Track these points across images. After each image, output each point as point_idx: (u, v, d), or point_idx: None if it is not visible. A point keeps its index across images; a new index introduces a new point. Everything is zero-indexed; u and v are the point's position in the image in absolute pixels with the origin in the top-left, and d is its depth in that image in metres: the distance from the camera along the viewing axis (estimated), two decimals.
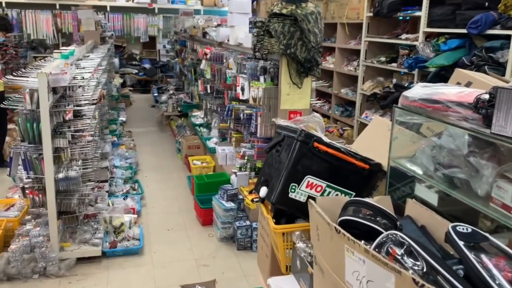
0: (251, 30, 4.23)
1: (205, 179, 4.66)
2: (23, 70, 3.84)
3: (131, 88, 11.10)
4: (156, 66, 12.06)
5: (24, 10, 10.85)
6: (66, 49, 4.39)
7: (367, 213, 1.51)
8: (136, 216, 4.07)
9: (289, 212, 2.17)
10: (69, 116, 3.38)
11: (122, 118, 8.02)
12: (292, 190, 2.05)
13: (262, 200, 2.25)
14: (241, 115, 4.27)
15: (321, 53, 3.50)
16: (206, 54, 5.68)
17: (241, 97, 4.35)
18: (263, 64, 3.73)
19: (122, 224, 3.84)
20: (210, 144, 5.72)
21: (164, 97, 8.98)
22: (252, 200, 3.79)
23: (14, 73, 3.72)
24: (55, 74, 3.16)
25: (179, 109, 8.15)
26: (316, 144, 2.05)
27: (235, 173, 4.38)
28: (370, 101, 5.58)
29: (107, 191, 4.62)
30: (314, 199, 1.73)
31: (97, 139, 4.51)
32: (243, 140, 4.72)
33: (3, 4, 10.67)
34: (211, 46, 6.04)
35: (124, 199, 4.53)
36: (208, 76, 5.85)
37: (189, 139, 6.32)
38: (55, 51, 4.14)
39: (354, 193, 2.10)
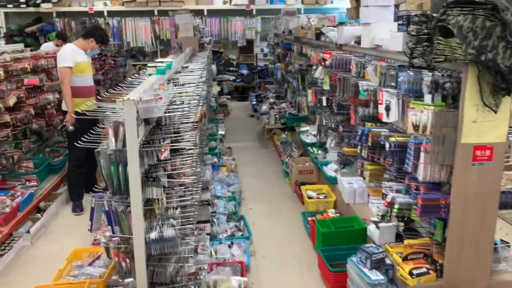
0: (401, 28, 3.06)
1: (331, 225, 3.58)
2: (119, 85, 3.13)
3: (228, 96, 10.43)
4: (253, 72, 11.29)
5: (124, 18, 10.71)
6: (162, 61, 3.61)
7: None
8: (246, 279, 3.11)
9: None
10: (165, 154, 2.51)
11: (221, 131, 7.26)
12: None
13: None
14: (386, 144, 3.12)
15: None
16: (324, 60, 4.61)
17: (384, 119, 3.21)
18: (433, 77, 2.54)
19: None
20: (328, 171, 4.63)
21: (264, 107, 8.09)
22: (411, 273, 2.63)
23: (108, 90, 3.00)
24: (147, 101, 2.30)
25: (282, 121, 7.19)
26: None
27: (375, 223, 3.25)
28: None
29: (208, 234, 3.76)
30: None
31: (198, 171, 3.66)
32: (382, 175, 3.56)
33: (105, 13, 10.61)
34: (329, 49, 4.95)
35: (229, 246, 3.62)
36: (325, 86, 4.76)
37: (299, 162, 5.29)
38: (149, 65, 3.35)
39: None
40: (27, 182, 4.51)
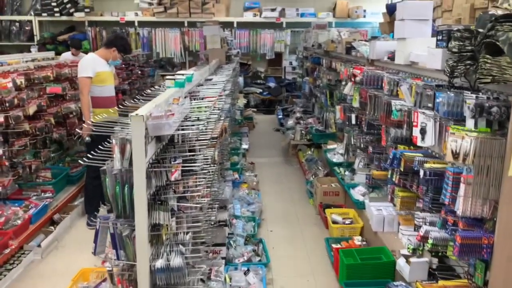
0: (441, 44, 2.78)
1: (356, 256, 3.28)
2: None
3: (255, 109, 10.24)
4: (281, 85, 11.09)
5: (154, 28, 10.75)
6: (183, 74, 3.44)
7: None
8: None
9: None
10: (176, 175, 2.31)
11: (245, 146, 7.05)
12: None
13: None
14: (420, 170, 2.83)
15: None
16: (354, 75, 4.34)
17: (419, 143, 2.91)
18: (477, 99, 2.25)
19: None
20: (356, 194, 4.33)
21: (290, 122, 7.86)
22: None
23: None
24: (157, 117, 2.11)
25: (308, 137, 6.93)
26: None
27: (405, 257, 2.94)
28: None
29: (223, 258, 3.53)
30: None
31: (215, 190, 3.45)
32: (414, 203, 3.26)
33: (136, 23, 10.67)
34: (359, 64, 4.69)
35: (245, 273, 3.37)
36: (355, 103, 4.49)
37: (325, 182, 5.01)
38: (167, 77, 3.18)
39: None
40: (42, 193, 4.41)
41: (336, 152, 5.42)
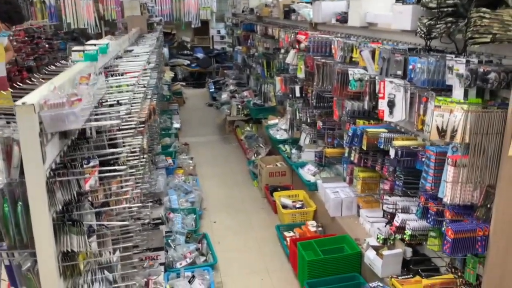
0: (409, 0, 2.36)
1: (316, 248, 2.87)
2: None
3: (183, 83, 9.49)
4: (210, 56, 10.39)
5: None
6: (95, 44, 2.74)
7: None
8: None
9: None
10: (91, 182, 1.68)
11: (176, 124, 6.38)
12: None
13: None
14: (390, 150, 2.44)
15: None
16: (299, 42, 3.85)
17: (386, 118, 2.51)
18: (469, 64, 1.85)
19: None
20: (305, 174, 3.93)
21: (224, 96, 7.29)
22: None
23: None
24: (56, 106, 1.45)
25: (245, 112, 6.42)
26: None
27: (375, 249, 2.58)
28: None
29: (162, 264, 2.97)
30: None
31: (146, 185, 2.84)
32: (377, 184, 2.90)
33: None
34: (301, 29, 4.21)
35: (189, 281, 2.85)
36: (300, 74, 4.03)
37: (269, 161, 4.56)
38: (74, 48, 2.46)
39: None
40: None
41: (279, 127, 4.97)
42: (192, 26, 10.83)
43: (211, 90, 8.66)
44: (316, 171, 3.88)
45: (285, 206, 3.80)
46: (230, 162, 5.40)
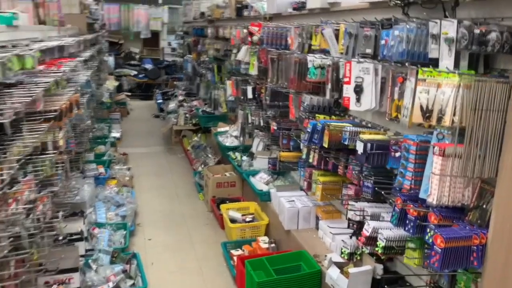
0: None
1: (268, 266, 2.37)
2: None
3: (129, 94, 8.86)
4: (160, 67, 9.85)
5: None
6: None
7: None
8: None
9: None
10: None
11: (115, 134, 5.77)
12: None
13: None
14: (357, 144, 2.02)
15: None
16: (251, 34, 3.44)
17: (353, 107, 2.10)
18: (462, 25, 1.46)
19: None
20: (257, 183, 3.45)
21: (172, 105, 6.76)
22: None
23: None
24: None
25: (194, 121, 5.90)
26: None
27: (338, 266, 2.12)
28: None
29: None
30: None
31: (55, 188, 2.24)
32: (339, 190, 2.46)
33: None
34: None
35: None
36: (252, 70, 3.61)
37: (217, 171, 4.05)
38: None
39: None
40: None
41: (228, 134, 4.49)
42: (141, 36, 10.31)
43: (158, 101, 8.08)
44: (270, 179, 3.41)
45: (233, 220, 3.29)
46: (173, 173, 4.83)
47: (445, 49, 1.52)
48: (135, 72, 9.59)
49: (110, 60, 9.21)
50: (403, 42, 1.68)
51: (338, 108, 2.56)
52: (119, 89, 8.72)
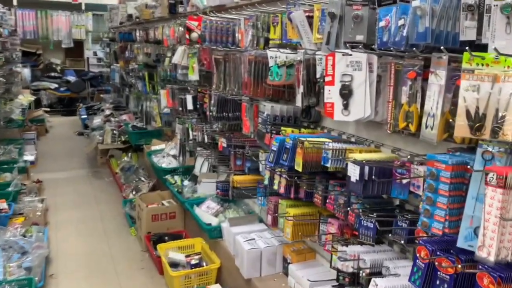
0: None
1: None
2: None
3: (48, 109, 7.82)
4: (84, 79, 8.86)
5: None
6: None
7: None
8: None
9: None
10: None
11: (28, 157, 4.84)
12: None
13: None
14: (349, 168, 1.45)
15: None
16: (189, 31, 2.80)
17: (338, 116, 1.53)
18: None
19: None
20: (204, 215, 2.77)
21: (97, 121, 5.91)
22: None
23: None
24: None
25: (123, 139, 5.12)
26: None
27: None
28: None
29: None
30: None
31: None
32: (315, 226, 1.88)
33: None
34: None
35: None
36: (192, 75, 2.97)
37: (152, 199, 3.34)
38: None
39: None
40: None
41: (165, 154, 3.77)
42: (63, 46, 9.27)
43: (83, 117, 7.14)
44: (220, 209, 2.76)
45: (175, 264, 2.60)
46: (99, 203, 4.01)
47: (501, 22, 1.00)
48: (56, 85, 8.54)
49: (26, 72, 8.13)
50: (425, 17, 1.13)
51: (308, 119, 1.99)
52: (37, 104, 7.66)
